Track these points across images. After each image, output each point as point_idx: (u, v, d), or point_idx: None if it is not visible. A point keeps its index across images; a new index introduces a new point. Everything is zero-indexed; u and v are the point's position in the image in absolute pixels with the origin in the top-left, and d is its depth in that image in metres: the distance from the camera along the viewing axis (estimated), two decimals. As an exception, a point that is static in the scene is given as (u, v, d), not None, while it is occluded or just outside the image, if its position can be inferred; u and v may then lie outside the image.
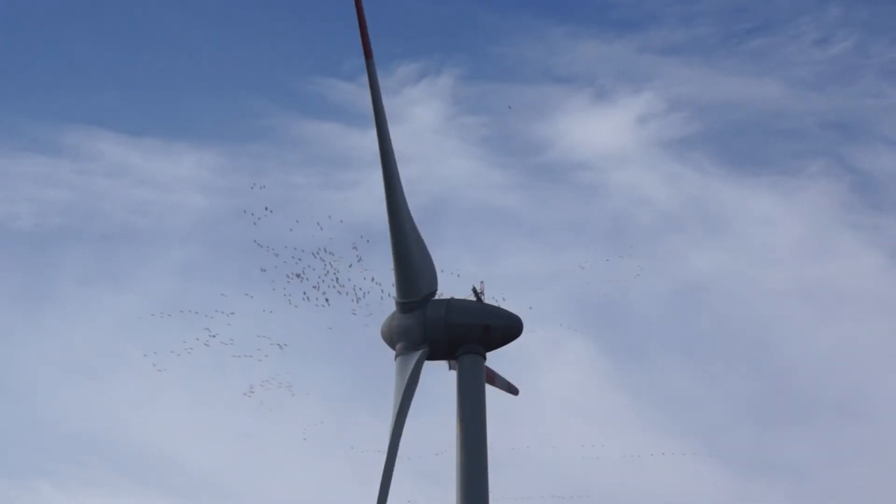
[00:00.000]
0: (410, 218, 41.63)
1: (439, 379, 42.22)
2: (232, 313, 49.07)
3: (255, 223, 46.85)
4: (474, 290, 42.19)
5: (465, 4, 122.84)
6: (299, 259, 45.84)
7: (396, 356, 41.69)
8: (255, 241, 47.00)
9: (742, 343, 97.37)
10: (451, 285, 44.10)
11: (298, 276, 46.00)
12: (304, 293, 46.12)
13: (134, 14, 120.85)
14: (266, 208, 45.01)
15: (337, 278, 45.37)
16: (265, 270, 46.84)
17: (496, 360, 42.06)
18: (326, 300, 45.31)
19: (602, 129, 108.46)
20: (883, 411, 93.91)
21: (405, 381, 40.31)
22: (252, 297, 49.69)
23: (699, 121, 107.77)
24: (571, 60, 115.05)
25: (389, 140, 40.71)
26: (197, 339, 48.67)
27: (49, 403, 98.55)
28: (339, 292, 44.79)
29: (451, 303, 41.75)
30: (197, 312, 49.35)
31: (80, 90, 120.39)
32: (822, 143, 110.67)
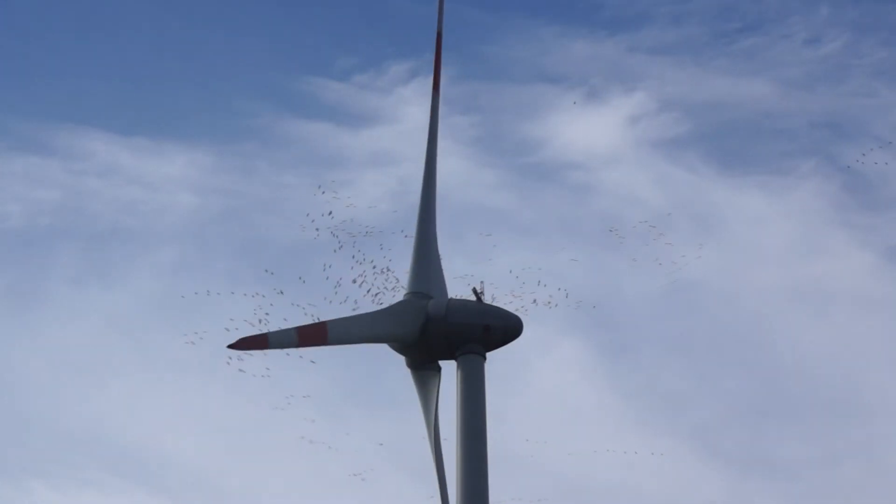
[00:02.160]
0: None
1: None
2: (281, 292, 48.92)
3: (318, 225, 47.26)
4: (474, 291, 42.19)
5: (456, 4, 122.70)
6: (360, 262, 46.12)
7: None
8: (331, 231, 47.33)
9: (734, 342, 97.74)
10: (451, 286, 44.26)
11: (356, 281, 46.30)
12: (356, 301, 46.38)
13: (124, 12, 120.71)
14: (330, 212, 45.82)
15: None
16: (329, 267, 47.04)
17: (496, 360, 42.06)
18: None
19: (593, 129, 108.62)
20: (876, 410, 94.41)
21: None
22: (304, 281, 49.65)
23: (690, 120, 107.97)
24: (562, 60, 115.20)
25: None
26: (245, 320, 48.57)
27: (41, 403, 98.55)
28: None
29: (451, 303, 41.75)
30: (254, 295, 49.22)
31: (69, 89, 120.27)
32: (814, 143, 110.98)
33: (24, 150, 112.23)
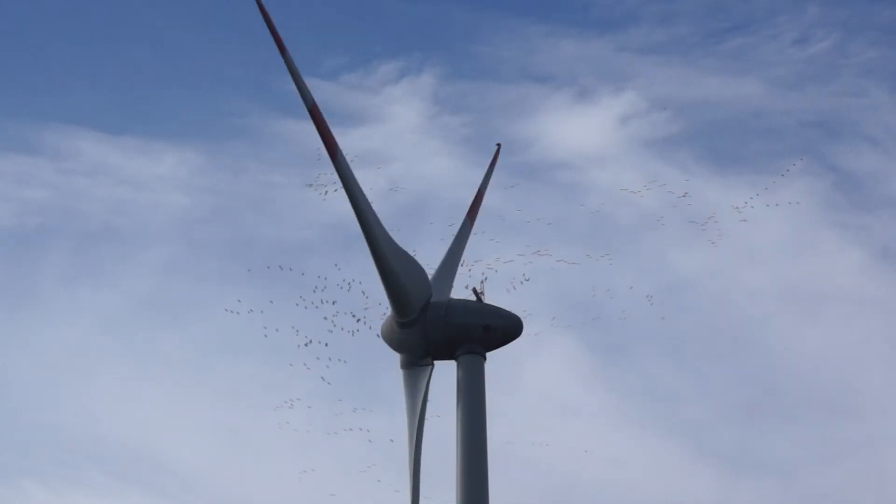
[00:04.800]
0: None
1: (439, 379, 42.13)
2: (352, 282, 48.50)
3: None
4: (474, 291, 42.13)
5: (445, 3, 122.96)
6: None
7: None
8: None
9: (726, 342, 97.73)
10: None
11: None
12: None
13: (113, 11, 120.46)
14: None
15: None
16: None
17: (496, 360, 42.03)
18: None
19: (583, 129, 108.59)
20: (869, 410, 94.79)
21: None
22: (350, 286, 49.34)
23: (680, 120, 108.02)
24: (551, 60, 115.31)
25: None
26: (303, 297, 48.38)
27: (33, 402, 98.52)
28: None
29: (451, 303, 41.64)
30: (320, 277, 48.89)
31: (58, 88, 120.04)
32: (804, 142, 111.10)
33: (13, 149, 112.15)
